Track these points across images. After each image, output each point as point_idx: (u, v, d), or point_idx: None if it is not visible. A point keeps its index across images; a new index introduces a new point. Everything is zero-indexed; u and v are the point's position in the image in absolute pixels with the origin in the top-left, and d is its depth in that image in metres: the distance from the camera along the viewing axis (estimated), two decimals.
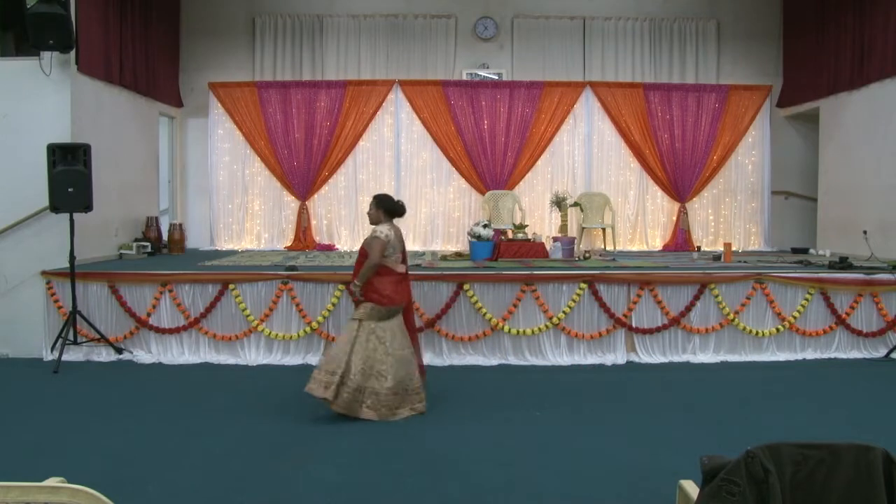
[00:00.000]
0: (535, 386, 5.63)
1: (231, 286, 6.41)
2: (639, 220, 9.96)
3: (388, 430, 4.49)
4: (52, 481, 1.82)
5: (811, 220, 9.79)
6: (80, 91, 7.06)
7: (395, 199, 5.01)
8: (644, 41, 10.20)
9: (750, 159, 10.05)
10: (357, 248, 9.52)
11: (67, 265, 6.26)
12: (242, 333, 6.43)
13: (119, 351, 6.41)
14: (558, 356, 6.42)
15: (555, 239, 7.91)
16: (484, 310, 6.36)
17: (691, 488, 2.13)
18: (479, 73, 10.10)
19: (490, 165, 9.68)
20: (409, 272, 6.54)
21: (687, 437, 4.34)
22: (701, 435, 4.40)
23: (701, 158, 9.81)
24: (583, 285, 6.42)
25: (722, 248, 8.23)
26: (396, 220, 5.02)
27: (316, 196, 9.76)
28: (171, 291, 6.44)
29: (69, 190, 6.15)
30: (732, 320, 6.49)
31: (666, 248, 9.72)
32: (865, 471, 1.73)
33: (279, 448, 4.14)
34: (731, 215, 10.06)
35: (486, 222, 7.85)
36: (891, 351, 6.56)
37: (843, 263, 7.00)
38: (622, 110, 9.75)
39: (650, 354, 6.49)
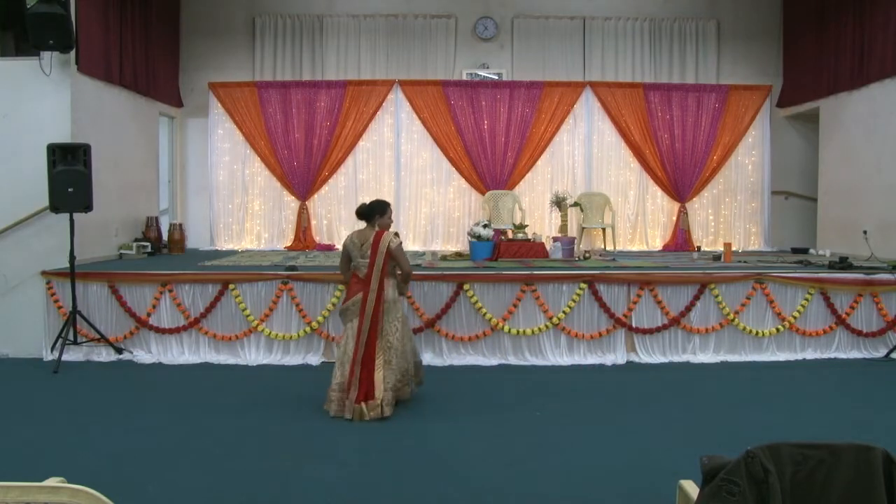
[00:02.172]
0: (535, 386, 5.63)
1: (231, 286, 6.41)
2: (639, 220, 9.96)
3: (387, 429, 4.49)
4: (52, 481, 1.82)
5: (811, 220, 9.79)
6: (80, 91, 7.06)
7: (369, 202, 5.03)
8: (644, 41, 10.19)
9: (750, 159, 10.05)
10: None
11: (67, 265, 6.26)
12: (242, 333, 6.43)
13: (119, 351, 6.41)
14: (558, 356, 6.42)
15: (555, 239, 7.91)
16: (484, 310, 6.36)
17: (691, 488, 2.13)
18: (479, 73, 10.10)
19: (490, 165, 9.68)
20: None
21: (687, 437, 4.35)
22: (701, 435, 4.40)
23: (701, 158, 9.82)
24: (583, 285, 6.41)
25: (722, 248, 8.23)
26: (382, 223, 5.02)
27: (316, 196, 9.76)
28: (171, 291, 6.44)
29: (69, 190, 6.15)
30: (732, 320, 6.49)
31: (666, 248, 9.72)
32: (865, 471, 1.73)
33: (279, 448, 4.14)
34: (731, 215, 10.06)
35: (486, 222, 7.85)
36: (891, 351, 6.56)
37: (843, 263, 7.00)
38: (622, 110, 9.75)
39: (650, 354, 6.49)
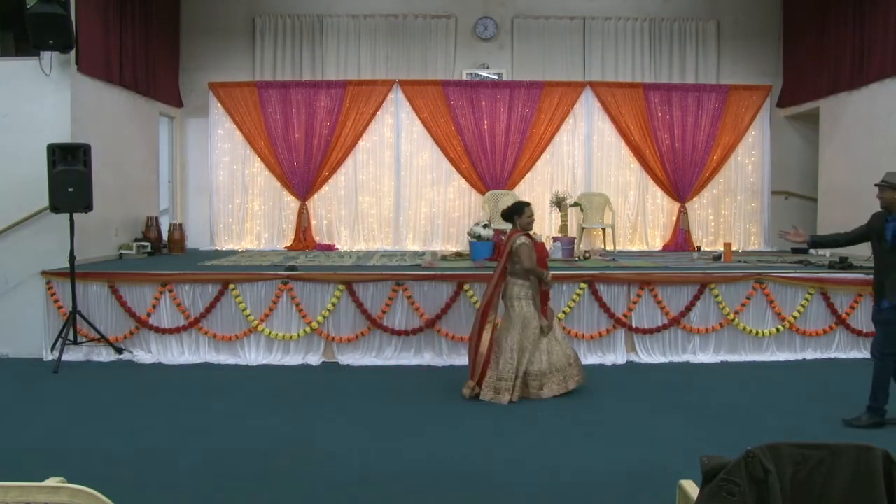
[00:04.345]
0: None
1: (231, 286, 6.41)
2: (639, 220, 9.95)
3: (387, 429, 4.49)
4: (52, 481, 1.82)
5: (811, 220, 9.79)
6: (80, 91, 7.06)
7: (510, 205, 5.39)
8: (644, 41, 10.19)
9: (750, 159, 10.04)
10: (356, 247, 9.58)
11: (67, 265, 6.26)
12: (242, 333, 6.43)
13: (119, 351, 6.41)
14: None
15: (555, 239, 7.91)
16: None
17: (691, 488, 2.13)
18: (479, 73, 10.10)
19: (490, 165, 9.68)
20: (408, 272, 6.59)
21: (687, 437, 4.35)
22: (701, 435, 4.40)
23: (701, 158, 9.81)
24: (583, 285, 6.41)
25: (722, 248, 8.22)
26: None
27: (316, 196, 9.76)
28: (171, 291, 6.44)
29: (69, 190, 6.15)
30: (732, 320, 6.49)
31: (666, 248, 9.72)
32: (865, 471, 1.73)
33: (279, 448, 4.14)
34: (731, 215, 10.05)
35: (486, 222, 7.85)
36: None
37: (843, 263, 7.00)
38: (622, 110, 9.74)
39: (650, 354, 6.49)
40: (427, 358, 6.37)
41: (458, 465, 3.86)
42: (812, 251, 8.93)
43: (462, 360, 6.36)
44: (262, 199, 9.80)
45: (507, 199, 9.48)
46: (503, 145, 9.67)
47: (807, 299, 6.55)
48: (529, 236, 5.22)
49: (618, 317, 6.43)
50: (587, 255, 8.07)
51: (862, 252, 7.76)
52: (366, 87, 9.63)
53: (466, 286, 6.37)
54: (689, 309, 6.49)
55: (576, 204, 9.05)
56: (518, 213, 5.23)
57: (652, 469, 3.77)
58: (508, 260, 5.16)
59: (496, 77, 10.04)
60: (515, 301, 5.13)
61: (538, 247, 5.32)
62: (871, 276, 6.57)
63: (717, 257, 7.90)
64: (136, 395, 5.38)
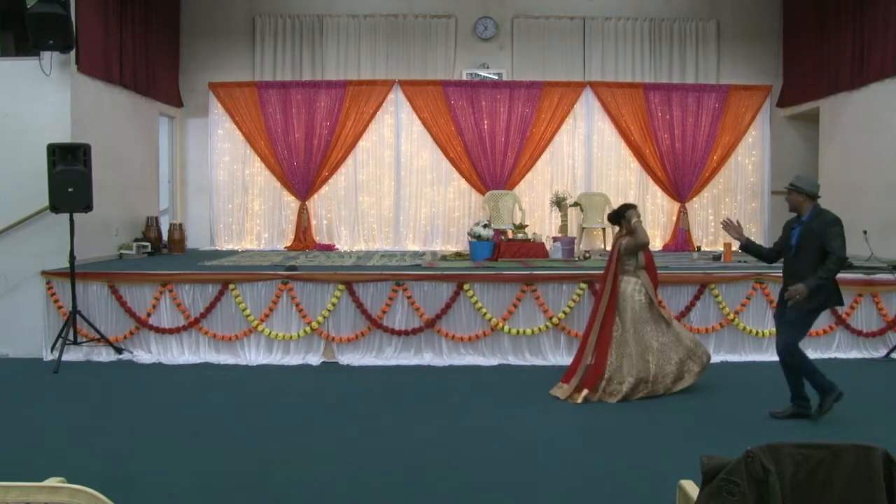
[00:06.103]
0: (536, 386, 5.62)
1: (231, 286, 6.41)
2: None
3: (386, 429, 4.49)
4: (52, 481, 1.82)
5: None
6: (80, 91, 7.05)
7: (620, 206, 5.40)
8: (644, 41, 10.19)
9: (750, 159, 10.05)
10: (356, 247, 9.58)
11: (67, 265, 6.25)
12: (242, 333, 6.43)
13: (119, 351, 6.41)
14: (558, 356, 6.40)
15: (555, 239, 7.92)
16: (484, 310, 6.36)
17: (691, 488, 2.13)
18: (479, 73, 10.10)
19: (490, 165, 9.68)
20: (408, 272, 6.59)
21: (687, 437, 4.35)
22: (701, 435, 4.40)
23: (701, 158, 9.82)
24: (583, 285, 6.41)
25: (722, 248, 8.23)
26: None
27: (316, 196, 9.76)
28: (171, 291, 6.44)
29: (69, 190, 6.15)
30: (732, 320, 6.49)
31: (666, 248, 9.72)
32: (865, 471, 1.73)
33: (279, 448, 4.14)
34: (731, 215, 10.02)
35: (486, 222, 7.85)
36: (891, 351, 6.56)
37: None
38: (622, 110, 9.74)
39: None
40: (427, 358, 6.37)
41: (457, 465, 3.86)
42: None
43: (462, 359, 6.38)
44: (262, 199, 9.80)
45: (507, 199, 9.50)
46: (503, 145, 9.67)
47: None
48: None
49: None
50: (587, 255, 8.08)
51: (862, 252, 7.77)
52: (366, 87, 9.64)
53: (466, 286, 6.37)
54: (689, 309, 6.49)
55: (576, 204, 9.05)
56: (623, 216, 5.29)
57: (652, 469, 3.76)
58: (619, 261, 5.19)
59: (496, 77, 10.04)
60: (629, 298, 5.16)
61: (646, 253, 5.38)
62: (864, 276, 6.60)
63: (716, 257, 7.91)
64: (136, 395, 5.38)
